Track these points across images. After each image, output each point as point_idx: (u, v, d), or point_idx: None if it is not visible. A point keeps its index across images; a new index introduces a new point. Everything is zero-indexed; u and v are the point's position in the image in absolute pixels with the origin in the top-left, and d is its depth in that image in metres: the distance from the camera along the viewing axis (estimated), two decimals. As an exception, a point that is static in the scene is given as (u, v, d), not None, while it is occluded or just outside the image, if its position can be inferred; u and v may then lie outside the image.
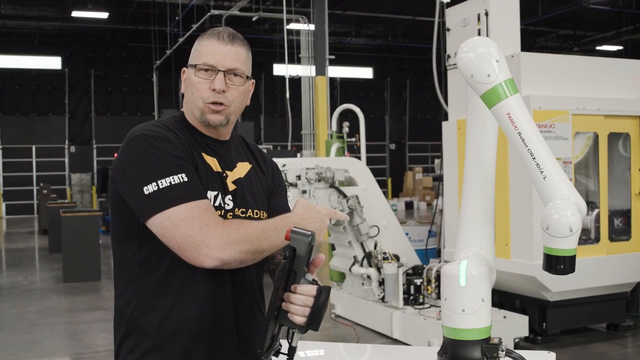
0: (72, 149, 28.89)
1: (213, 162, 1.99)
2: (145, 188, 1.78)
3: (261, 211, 2.05)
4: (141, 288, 1.93)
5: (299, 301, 1.71)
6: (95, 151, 29.07)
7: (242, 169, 2.09)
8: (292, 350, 1.77)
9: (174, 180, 1.78)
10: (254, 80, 2.09)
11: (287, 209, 2.13)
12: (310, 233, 1.73)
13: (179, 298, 1.91)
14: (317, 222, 1.89)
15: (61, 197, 24.06)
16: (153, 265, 1.91)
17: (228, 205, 1.97)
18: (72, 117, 28.96)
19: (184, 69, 2.03)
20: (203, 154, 1.98)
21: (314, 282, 1.77)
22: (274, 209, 2.11)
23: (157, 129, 1.90)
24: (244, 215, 2.02)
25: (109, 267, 12.74)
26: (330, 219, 1.97)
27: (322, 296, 1.73)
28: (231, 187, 2.01)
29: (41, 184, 23.99)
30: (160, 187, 1.77)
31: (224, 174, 2.02)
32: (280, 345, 1.76)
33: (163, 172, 1.79)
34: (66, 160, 28.84)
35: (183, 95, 2.05)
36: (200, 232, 1.73)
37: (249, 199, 2.04)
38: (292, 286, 1.73)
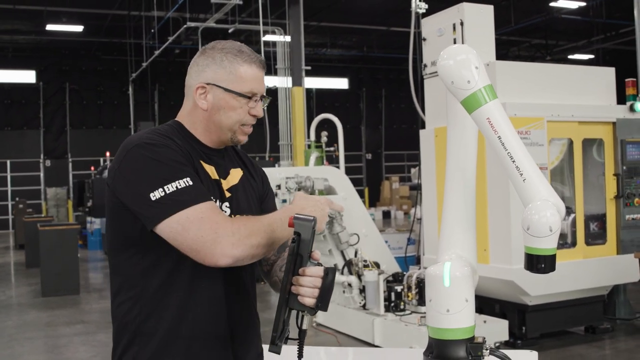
0: (48, 163, 28.58)
1: (211, 170, 2.03)
2: (151, 194, 1.80)
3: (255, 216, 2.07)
4: (144, 294, 1.94)
5: (308, 283, 1.77)
6: (70, 165, 28.74)
7: (236, 175, 2.13)
8: (302, 334, 1.82)
9: (179, 185, 1.81)
10: None
11: None
12: (312, 218, 1.79)
13: (184, 302, 1.93)
14: (317, 211, 1.92)
15: (37, 212, 23.79)
16: (157, 271, 1.93)
17: (225, 212, 2.01)
18: (47, 130, 28.65)
19: (209, 85, 2.00)
20: (201, 161, 2.01)
21: (319, 264, 1.83)
22: (266, 213, 2.14)
23: (156, 137, 1.93)
24: None
25: (88, 281, 12.64)
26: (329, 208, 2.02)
27: (330, 276, 1.80)
28: (227, 194, 2.06)
29: (17, 199, 23.72)
30: (167, 192, 1.79)
31: (221, 182, 2.06)
32: (289, 332, 1.81)
33: (168, 177, 1.82)
34: (41, 174, 28.51)
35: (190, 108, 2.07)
36: (212, 232, 1.77)
37: (244, 205, 2.09)
38: (300, 269, 1.79)
